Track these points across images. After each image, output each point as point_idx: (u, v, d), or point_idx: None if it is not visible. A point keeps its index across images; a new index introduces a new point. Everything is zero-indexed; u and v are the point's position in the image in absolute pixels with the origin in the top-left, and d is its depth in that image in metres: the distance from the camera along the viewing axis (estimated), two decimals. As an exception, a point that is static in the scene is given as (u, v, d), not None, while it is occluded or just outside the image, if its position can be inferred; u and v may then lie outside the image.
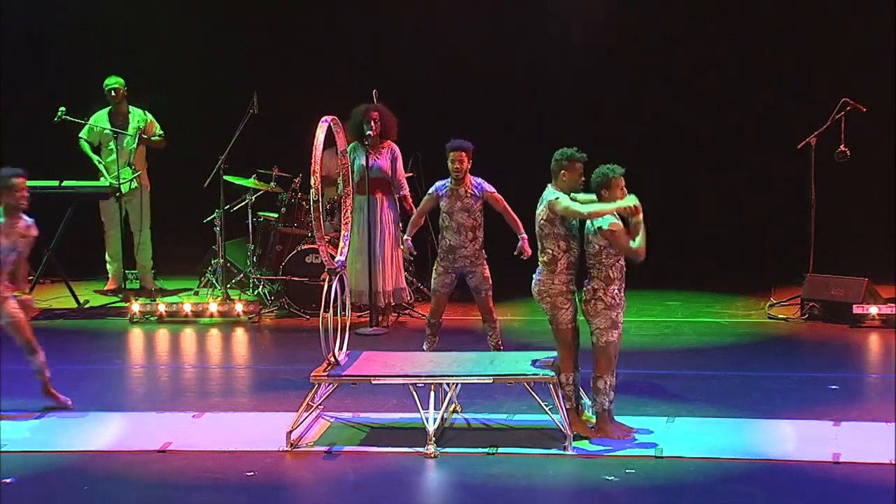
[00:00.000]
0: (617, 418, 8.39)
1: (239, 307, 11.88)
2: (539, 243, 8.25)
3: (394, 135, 11.41)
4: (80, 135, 12.70)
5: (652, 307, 12.19)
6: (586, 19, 13.84)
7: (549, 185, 8.25)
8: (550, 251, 8.16)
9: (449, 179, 9.61)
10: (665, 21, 13.81)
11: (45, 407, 8.96)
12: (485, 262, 9.65)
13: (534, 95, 14.10)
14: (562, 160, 8.21)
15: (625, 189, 8.14)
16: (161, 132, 12.81)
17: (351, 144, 11.25)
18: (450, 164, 9.55)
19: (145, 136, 12.74)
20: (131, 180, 12.67)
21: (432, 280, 9.70)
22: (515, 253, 9.64)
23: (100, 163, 12.72)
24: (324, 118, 8.38)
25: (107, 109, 12.77)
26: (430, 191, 9.72)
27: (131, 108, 12.77)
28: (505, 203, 9.64)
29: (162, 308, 11.93)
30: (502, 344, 9.74)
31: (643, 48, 13.85)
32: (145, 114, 12.78)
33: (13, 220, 8.92)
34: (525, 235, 9.52)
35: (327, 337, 8.27)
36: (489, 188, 9.63)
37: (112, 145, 12.69)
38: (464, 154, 9.54)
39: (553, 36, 14.01)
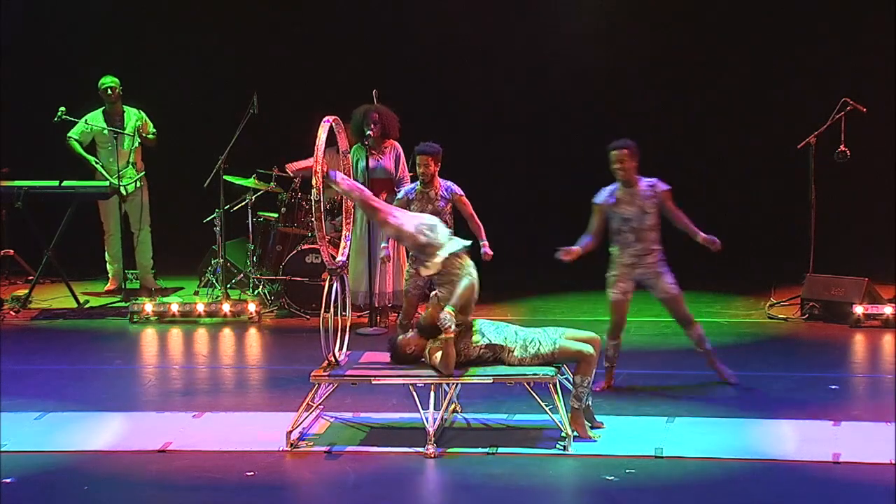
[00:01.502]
0: (617, 418, 8.43)
1: (252, 307, 11.86)
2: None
3: (396, 133, 11.41)
4: (70, 134, 12.66)
5: (652, 307, 12.12)
6: (586, 16, 13.84)
7: None
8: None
9: (417, 183, 9.73)
10: (665, 20, 13.80)
11: None
12: None
13: (535, 95, 14.10)
14: None
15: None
16: (154, 131, 12.81)
17: (354, 146, 11.29)
18: (418, 167, 9.68)
19: (142, 135, 12.74)
20: (137, 180, 12.68)
21: (404, 282, 9.77)
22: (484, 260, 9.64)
23: (97, 162, 12.71)
24: (326, 118, 8.37)
25: (101, 109, 12.75)
26: (400, 195, 9.85)
27: (126, 108, 12.76)
28: (471, 209, 9.76)
29: (162, 308, 11.94)
30: None
31: (642, 47, 13.84)
32: (140, 113, 12.77)
33: (630, 188, 9.17)
34: (486, 242, 9.57)
35: (327, 337, 8.27)
36: (458, 190, 9.74)
37: (110, 146, 12.68)
38: (430, 158, 9.71)
39: (553, 36, 14.01)
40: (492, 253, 9.66)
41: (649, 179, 9.33)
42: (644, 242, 9.20)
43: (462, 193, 9.78)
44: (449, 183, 9.79)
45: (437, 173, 9.88)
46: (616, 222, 9.17)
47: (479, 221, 9.76)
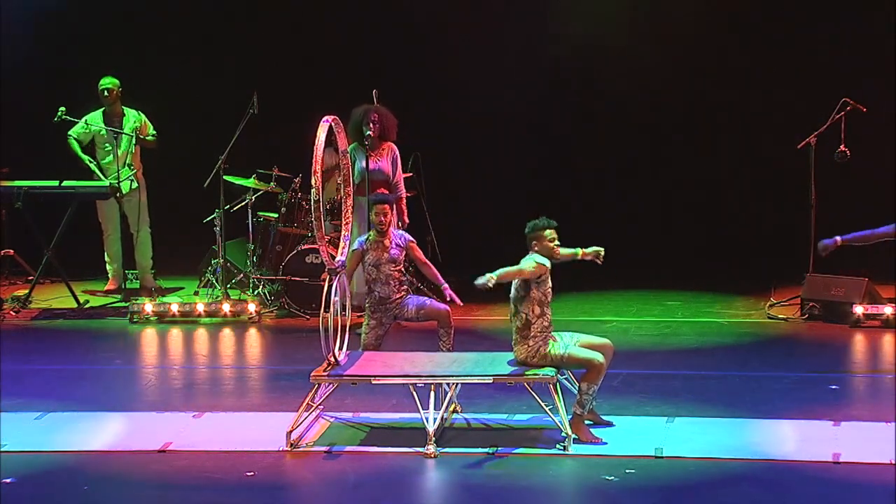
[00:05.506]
0: (617, 418, 8.43)
1: (252, 307, 11.86)
2: (513, 307, 8.25)
3: (393, 136, 11.39)
4: (70, 132, 12.65)
5: (652, 307, 12.19)
6: (584, 11, 13.84)
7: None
8: (524, 315, 8.18)
9: (371, 232, 9.53)
10: (665, 22, 13.80)
11: None
12: (407, 291, 9.58)
13: (535, 95, 14.09)
14: (529, 233, 8.31)
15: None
16: (154, 132, 12.80)
17: (351, 145, 11.27)
18: (374, 216, 9.47)
19: (141, 137, 12.73)
20: (130, 178, 12.66)
21: (363, 335, 9.44)
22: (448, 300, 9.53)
23: (91, 162, 12.69)
24: (325, 118, 8.38)
25: (101, 110, 12.75)
26: (354, 247, 9.45)
27: (125, 109, 12.74)
28: (422, 255, 9.59)
29: (162, 308, 11.94)
30: (453, 346, 9.62)
31: (642, 49, 13.84)
32: (139, 114, 12.76)
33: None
34: (446, 284, 9.47)
35: (327, 337, 8.27)
36: (409, 237, 9.58)
37: (109, 147, 12.68)
38: (387, 207, 9.48)
39: (553, 35, 14.01)
40: (457, 298, 9.48)
41: (400, 231, 9.57)
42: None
43: (414, 240, 9.63)
44: (400, 231, 9.71)
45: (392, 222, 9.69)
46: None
47: (432, 266, 9.63)
